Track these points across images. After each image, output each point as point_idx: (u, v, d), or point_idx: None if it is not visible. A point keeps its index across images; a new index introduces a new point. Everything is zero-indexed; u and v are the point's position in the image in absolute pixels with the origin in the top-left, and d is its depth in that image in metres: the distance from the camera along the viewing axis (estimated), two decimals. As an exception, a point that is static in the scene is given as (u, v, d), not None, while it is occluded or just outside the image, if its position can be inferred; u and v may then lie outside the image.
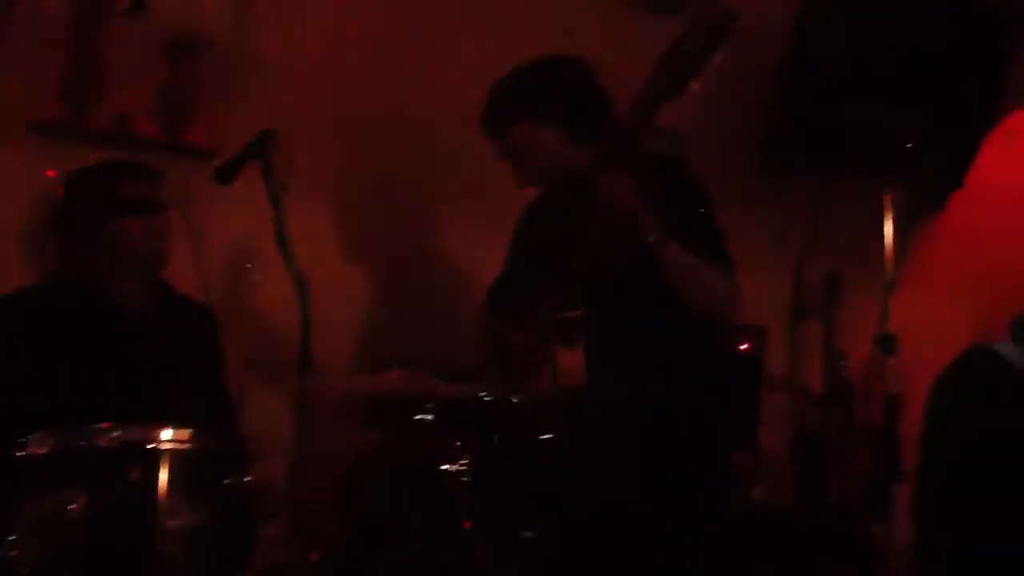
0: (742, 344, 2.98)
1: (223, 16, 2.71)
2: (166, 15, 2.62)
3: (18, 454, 1.67)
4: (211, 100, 2.66)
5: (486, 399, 1.84)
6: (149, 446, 1.68)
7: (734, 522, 2.33)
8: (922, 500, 2.99)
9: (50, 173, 2.45)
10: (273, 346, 2.51)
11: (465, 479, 1.80)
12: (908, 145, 2.59)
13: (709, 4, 1.59)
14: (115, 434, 1.67)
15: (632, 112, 1.73)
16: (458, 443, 1.84)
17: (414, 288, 2.95)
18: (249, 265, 2.60)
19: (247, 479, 1.75)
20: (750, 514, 2.67)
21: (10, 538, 1.61)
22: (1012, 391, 2.92)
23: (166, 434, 1.70)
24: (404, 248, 2.98)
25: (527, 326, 1.96)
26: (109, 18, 2.57)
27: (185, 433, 1.71)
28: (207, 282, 2.56)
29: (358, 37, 2.87)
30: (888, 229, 2.62)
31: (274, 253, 1.97)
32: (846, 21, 2.85)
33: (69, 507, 1.60)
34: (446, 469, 1.83)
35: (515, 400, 1.83)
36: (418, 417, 1.92)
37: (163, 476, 1.66)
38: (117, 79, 2.57)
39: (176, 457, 1.69)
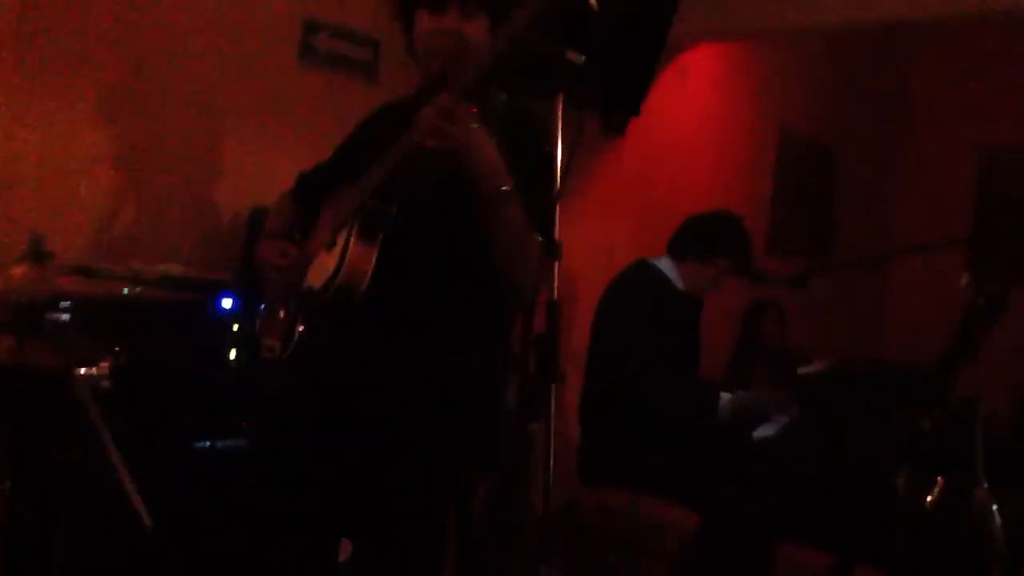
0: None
1: None
2: None
3: None
4: None
5: (128, 296, 1.68)
6: None
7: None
8: (590, 397, 3.27)
9: None
10: None
11: (106, 384, 1.66)
12: (579, 72, 2.70)
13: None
14: None
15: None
16: (100, 346, 1.68)
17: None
18: None
19: None
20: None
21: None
22: (667, 299, 3.26)
23: None
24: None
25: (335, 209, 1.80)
26: None
27: None
28: None
29: None
30: (559, 147, 2.74)
31: None
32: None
33: None
34: (83, 374, 1.67)
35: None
36: (51, 318, 1.73)
37: None
38: None
39: None
